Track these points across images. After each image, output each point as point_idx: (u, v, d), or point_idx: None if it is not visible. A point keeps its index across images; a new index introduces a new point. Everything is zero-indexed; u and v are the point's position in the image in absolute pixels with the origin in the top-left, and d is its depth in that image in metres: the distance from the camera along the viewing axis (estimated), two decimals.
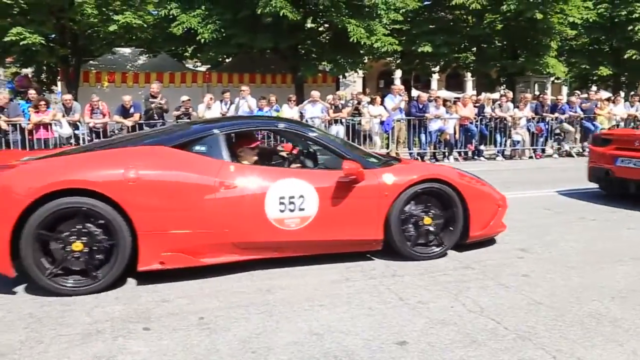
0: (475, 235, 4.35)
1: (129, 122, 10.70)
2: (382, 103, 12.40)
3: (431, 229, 4.20)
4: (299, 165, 4.44)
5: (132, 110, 10.84)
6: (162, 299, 3.44)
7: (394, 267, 4.08)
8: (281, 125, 4.55)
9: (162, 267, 3.58)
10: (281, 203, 3.78)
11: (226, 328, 2.97)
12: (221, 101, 11.71)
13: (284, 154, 4.84)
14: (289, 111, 11.64)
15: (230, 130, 4.09)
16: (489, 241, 4.72)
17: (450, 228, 4.25)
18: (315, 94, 12.19)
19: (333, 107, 12.08)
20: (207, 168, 3.72)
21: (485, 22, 17.65)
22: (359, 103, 12.52)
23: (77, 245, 3.44)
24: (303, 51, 17.04)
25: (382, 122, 12.15)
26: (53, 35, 16.76)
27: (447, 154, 12.29)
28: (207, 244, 3.67)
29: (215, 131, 3.94)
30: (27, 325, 3.03)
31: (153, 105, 10.86)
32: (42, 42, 15.59)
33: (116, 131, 10.83)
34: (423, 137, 12.35)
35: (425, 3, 19.44)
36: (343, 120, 11.82)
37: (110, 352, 2.69)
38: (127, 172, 3.51)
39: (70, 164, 3.65)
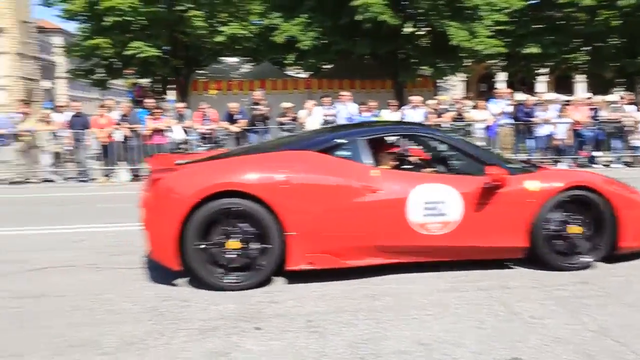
0: (625, 246, 4.13)
1: (235, 128, 11.24)
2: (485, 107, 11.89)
3: (577, 238, 4.03)
4: (434, 170, 4.44)
5: (238, 116, 11.38)
6: (272, 299, 3.52)
7: (504, 278, 3.86)
8: (422, 131, 4.69)
9: (311, 267, 3.73)
10: (425, 208, 3.83)
11: (334, 332, 2.97)
12: (322, 106, 11.86)
13: (416, 159, 4.85)
14: (390, 116, 11.54)
15: (372, 136, 4.16)
16: (613, 256, 4.31)
17: (598, 238, 4.08)
18: (417, 98, 11.99)
19: (435, 111, 11.80)
20: (353, 172, 3.85)
21: (599, 19, 16.29)
22: (461, 108, 12.10)
23: (234, 244, 3.65)
24: (402, 56, 16.86)
25: (486, 128, 11.65)
26: (167, 48, 18.13)
27: (557, 160, 11.49)
28: (352, 246, 3.79)
29: (358, 137, 4.05)
30: (151, 317, 3.24)
31: (257, 112, 11.32)
32: (158, 54, 16.95)
33: (221, 137, 11.38)
34: (530, 142, 11.66)
35: (531, 2, 18.37)
36: (443, 125, 11.50)
37: (224, 349, 2.79)
38: (278, 176, 3.69)
39: (227, 168, 3.86)
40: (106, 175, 11.00)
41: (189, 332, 3.03)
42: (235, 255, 3.67)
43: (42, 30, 56.36)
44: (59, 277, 4.08)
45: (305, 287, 3.74)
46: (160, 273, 4.02)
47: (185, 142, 11.29)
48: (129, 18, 16.34)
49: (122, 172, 11.01)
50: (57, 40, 57.92)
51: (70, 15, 17.80)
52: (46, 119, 11.26)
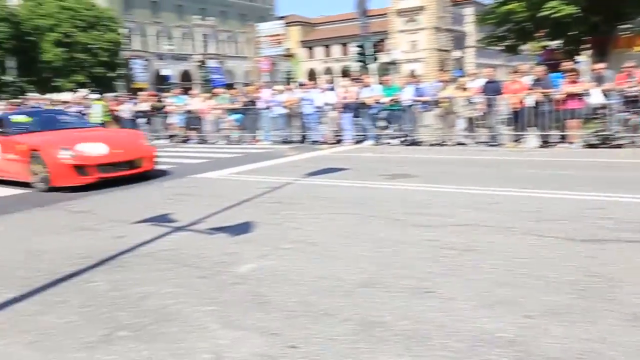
0: None
1: None
2: None
3: None
4: None
5: None
6: None
7: None
8: None
9: None
10: None
11: None
12: None
13: None
14: None
15: None
16: None
17: None
18: None
19: None
20: None
21: None
22: None
23: None
24: None
25: None
26: (583, 5, 16.41)
27: None
28: None
29: None
30: (573, 291, 3.06)
31: None
32: (575, 11, 15.56)
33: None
34: None
35: None
36: None
37: None
38: None
39: None
40: (515, 141, 11.06)
41: (620, 315, 2.70)
42: None
43: (455, 3, 60.50)
44: (480, 235, 4.34)
45: None
46: (581, 246, 3.76)
47: (604, 106, 10.10)
48: None
49: (532, 138, 10.84)
50: (469, 10, 61.03)
51: None
52: (462, 86, 12.11)
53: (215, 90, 16.50)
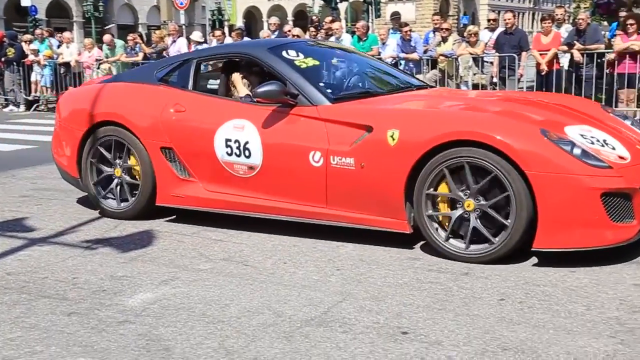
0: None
1: None
2: None
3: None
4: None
5: None
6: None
7: None
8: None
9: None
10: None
11: None
12: None
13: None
14: None
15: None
16: None
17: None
18: None
19: None
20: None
21: None
22: None
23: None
24: None
25: None
26: None
27: None
28: None
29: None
30: (614, 333, 3.21)
31: None
32: None
33: None
34: None
35: None
36: None
37: None
38: None
39: None
40: None
41: None
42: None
43: None
44: None
45: None
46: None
47: None
48: None
49: None
50: None
51: None
52: (470, 38, 12.33)
53: (105, 38, 16.22)
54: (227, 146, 5.12)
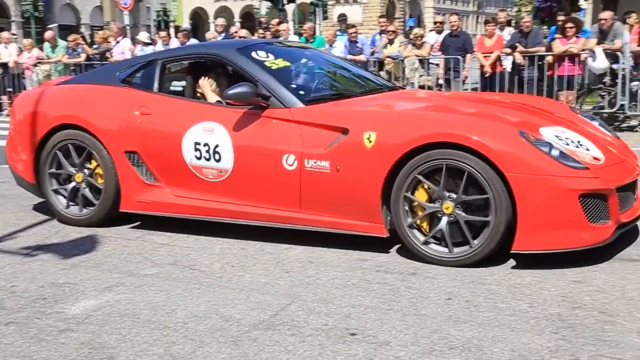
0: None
1: None
2: None
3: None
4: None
5: None
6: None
7: None
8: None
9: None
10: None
11: None
12: None
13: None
14: None
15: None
16: None
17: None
18: None
19: None
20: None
21: None
22: None
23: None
24: None
25: None
26: None
27: None
28: None
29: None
30: (556, 329, 3.28)
31: None
32: None
33: None
34: None
35: None
36: None
37: None
38: None
39: None
40: None
41: None
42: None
43: None
44: None
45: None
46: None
47: (611, 72, 10.79)
48: None
49: None
50: None
51: None
52: (415, 40, 12.49)
53: (46, 35, 15.84)
54: (196, 150, 4.97)
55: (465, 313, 3.50)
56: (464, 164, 4.13)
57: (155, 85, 5.38)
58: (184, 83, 5.72)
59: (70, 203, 5.51)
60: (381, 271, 4.22)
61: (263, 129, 4.83)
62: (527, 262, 4.21)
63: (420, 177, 4.27)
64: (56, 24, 38.27)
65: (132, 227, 5.36)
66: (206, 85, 5.45)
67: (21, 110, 5.84)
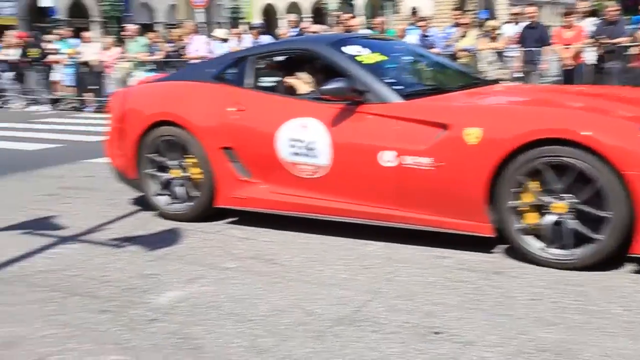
0: None
1: None
2: None
3: None
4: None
5: None
6: None
7: None
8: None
9: None
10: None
11: None
12: None
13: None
14: None
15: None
16: None
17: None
18: None
19: None
20: None
21: None
22: None
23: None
24: None
25: None
26: None
27: None
28: None
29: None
30: None
31: None
32: None
33: None
34: None
35: None
36: None
37: None
38: None
39: None
40: None
41: None
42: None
43: None
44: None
45: None
46: None
47: None
48: None
49: None
50: None
51: None
52: (490, 33, 12.25)
53: (129, 30, 16.17)
54: (291, 146, 4.92)
55: (554, 315, 3.41)
56: (579, 162, 3.89)
57: (248, 81, 5.37)
58: (276, 78, 5.70)
59: (168, 198, 5.58)
60: (463, 269, 4.15)
61: (359, 124, 4.72)
62: (617, 263, 4.06)
63: (529, 175, 4.06)
64: (134, 23, 39.33)
65: (211, 222, 5.43)
66: (299, 80, 5.42)
67: (120, 108, 5.92)
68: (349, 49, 5.15)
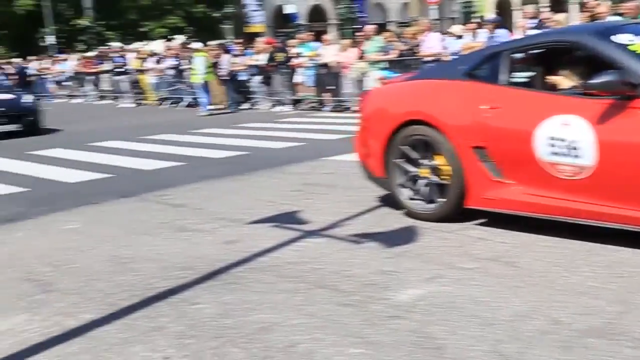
0: None
1: None
2: None
3: None
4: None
5: None
6: None
7: None
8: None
9: None
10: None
11: None
12: None
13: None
14: None
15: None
16: None
17: None
18: None
19: None
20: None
21: None
22: None
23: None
24: None
25: None
26: None
27: None
28: None
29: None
30: None
31: None
32: None
33: None
34: None
35: None
36: None
37: None
38: None
39: None
40: None
41: None
42: None
43: None
44: None
45: None
46: None
47: None
48: None
49: None
50: None
51: None
52: None
53: (367, 30, 16.46)
54: (551, 145, 4.63)
55: None
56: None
57: (502, 77, 5.14)
58: (530, 74, 5.43)
59: (416, 197, 5.53)
60: None
61: (631, 121, 4.31)
62: None
63: None
64: (368, 24, 40.30)
65: (449, 222, 5.37)
66: (560, 75, 5.09)
67: (371, 107, 6.01)
68: (620, 38, 4.69)
